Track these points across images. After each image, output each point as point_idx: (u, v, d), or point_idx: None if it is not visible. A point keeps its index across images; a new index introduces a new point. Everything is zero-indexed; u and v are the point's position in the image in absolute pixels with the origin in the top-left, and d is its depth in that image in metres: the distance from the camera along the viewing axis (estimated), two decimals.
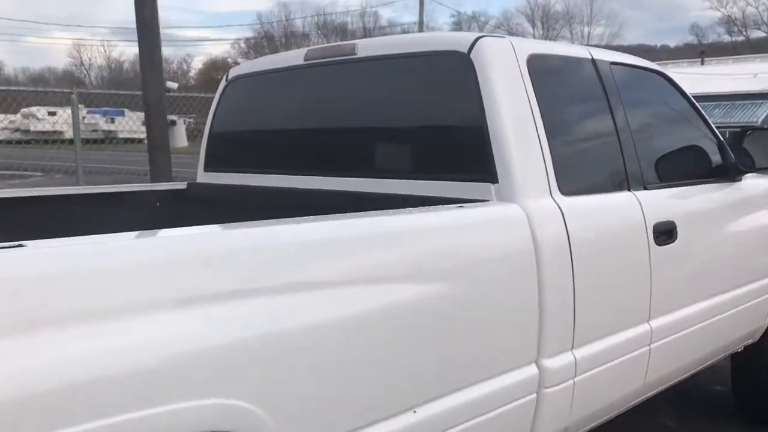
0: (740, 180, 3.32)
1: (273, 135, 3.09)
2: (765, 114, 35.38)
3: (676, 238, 2.70)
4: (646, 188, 2.70)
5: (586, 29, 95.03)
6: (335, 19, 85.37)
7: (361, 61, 2.73)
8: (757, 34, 72.95)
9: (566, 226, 2.22)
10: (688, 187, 2.99)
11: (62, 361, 1.19)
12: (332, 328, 1.59)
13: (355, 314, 1.62)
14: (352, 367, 1.63)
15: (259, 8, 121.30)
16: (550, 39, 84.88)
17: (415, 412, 1.76)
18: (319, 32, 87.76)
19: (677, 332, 2.76)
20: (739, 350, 3.60)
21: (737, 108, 36.93)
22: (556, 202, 2.26)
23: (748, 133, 3.30)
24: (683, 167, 2.99)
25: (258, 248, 1.53)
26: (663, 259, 2.63)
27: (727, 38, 74.74)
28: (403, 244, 1.84)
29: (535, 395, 2.12)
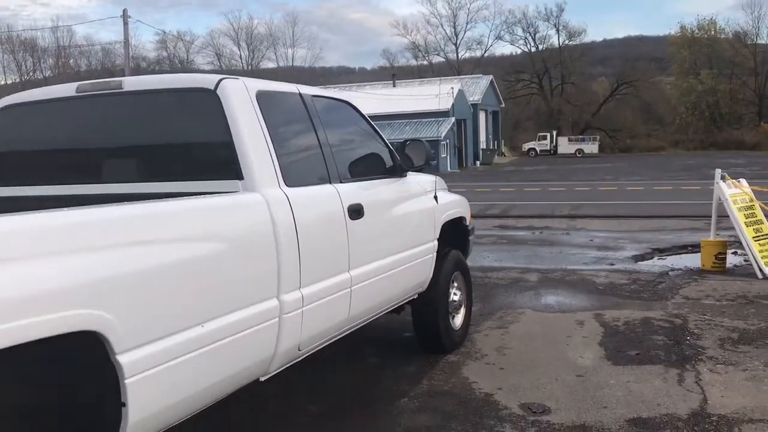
0: (405, 176, 4.75)
1: (49, 153, 3.74)
2: (446, 130, 41.48)
3: (363, 215, 3.95)
4: (341, 182, 3.91)
5: (290, 51, 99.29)
6: (21, 34, 78.02)
7: (127, 94, 3.55)
8: (437, 59, 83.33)
9: (291, 207, 3.31)
10: (371, 181, 4.30)
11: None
12: (149, 271, 2.47)
13: (164, 261, 2.53)
14: (162, 296, 2.52)
15: None
16: (255, 60, 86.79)
17: (203, 326, 2.70)
18: (4, 47, 79.51)
19: (369, 279, 4.02)
20: (415, 297, 5.06)
21: (424, 125, 42.83)
22: (283, 191, 3.34)
23: (407, 143, 4.74)
24: (367, 168, 4.31)
25: (106, 220, 2.37)
26: (356, 229, 3.86)
27: (414, 62, 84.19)
28: (182, 219, 2.76)
29: (277, 318, 3.17)
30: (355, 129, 4.50)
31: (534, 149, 61.98)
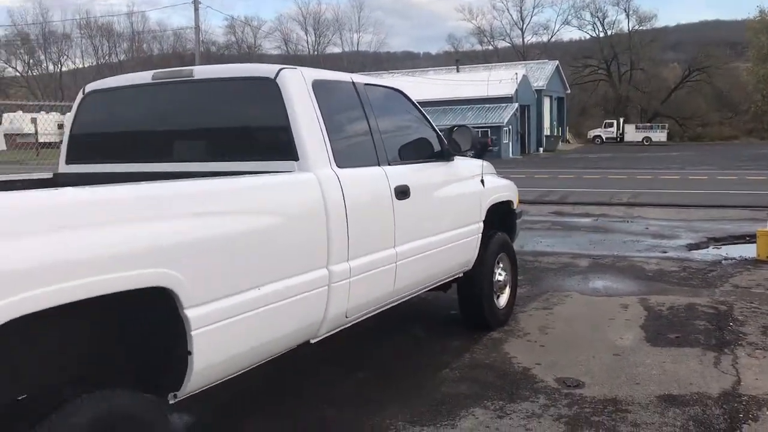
0: (452, 160, 5.00)
1: (128, 134, 4.16)
2: (508, 115, 41.09)
3: (410, 196, 4.24)
4: (390, 164, 4.20)
5: (355, 36, 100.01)
6: (99, 19, 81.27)
7: (197, 82, 3.93)
8: (503, 44, 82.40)
9: (341, 186, 3.63)
10: (418, 164, 4.57)
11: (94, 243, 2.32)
12: (214, 238, 2.82)
13: (228, 230, 2.88)
14: (225, 261, 2.87)
15: (10, 5, 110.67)
16: (321, 45, 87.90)
17: (259, 289, 3.05)
18: (82, 32, 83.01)
19: (414, 255, 4.31)
20: (461, 276, 5.32)
21: (487, 110, 42.60)
22: (334, 171, 3.65)
23: (455, 128, 4.98)
24: (414, 151, 4.57)
25: (184, 194, 2.75)
26: (402, 208, 4.15)
27: (479, 47, 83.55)
28: (245, 194, 3.11)
29: (327, 287, 3.50)
30: (404, 115, 4.78)
31: (600, 137, 60.80)
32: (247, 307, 2.97)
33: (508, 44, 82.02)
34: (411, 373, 4.73)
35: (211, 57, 64.98)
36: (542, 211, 13.59)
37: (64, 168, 4.35)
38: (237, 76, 3.85)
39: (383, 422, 3.92)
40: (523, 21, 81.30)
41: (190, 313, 2.68)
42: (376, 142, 4.16)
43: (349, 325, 3.94)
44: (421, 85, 42.28)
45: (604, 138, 60.51)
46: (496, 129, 39.24)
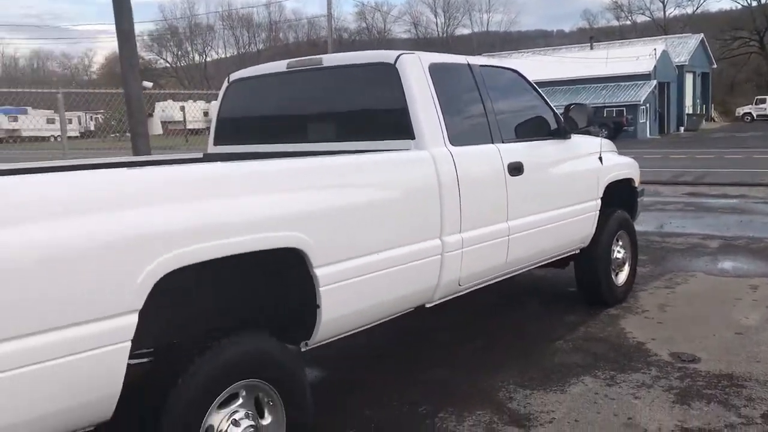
0: (569, 138, 5.11)
1: (266, 118, 4.64)
2: (646, 93, 39.17)
3: (523, 172, 4.43)
4: (503, 142, 4.41)
5: (485, 16, 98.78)
6: (240, 10, 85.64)
7: (326, 69, 4.32)
8: (642, 18, 78.32)
9: (454, 163, 3.89)
10: (532, 142, 4.74)
11: (223, 211, 2.74)
12: (340, 208, 3.19)
13: (352, 201, 3.24)
14: (349, 228, 3.24)
15: (161, 1, 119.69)
16: (451, 27, 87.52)
17: (378, 254, 3.39)
18: (224, 24, 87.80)
19: (527, 230, 4.50)
20: (577, 253, 5.44)
21: (622, 89, 40.82)
22: (448, 149, 3.92)
23: (571, 106, 5.09)
24: (529, 129, 4.75)
25: (316, 169, 3.16)
26: (515, 184, 4.35)
27: (615, 23, 79.96)
28: (367, 170, 3.46)
29: (440, 256, 3.79)
30: (520, 94, 4.95)
31: (749, 114, 56.47)
32: (368, 270, 3.33)
33: (648, 18, 77.93)
34: (525, 342, 4.94)
35: (343, 43, 66.68)
36: (675, 191, 13.11)
37: (212, 149, 4.91)
38: (361, 62, 4.20)
39: (495, 384, 4.17)
40: None
41: (319, 271, 3.06)
42: (490, 120, 4.38)
43: (464, 292, 4.21)
44: (551, 65, 41.27)
45: (754, 115, 56.16)
46: (633, 108, 37.60)
